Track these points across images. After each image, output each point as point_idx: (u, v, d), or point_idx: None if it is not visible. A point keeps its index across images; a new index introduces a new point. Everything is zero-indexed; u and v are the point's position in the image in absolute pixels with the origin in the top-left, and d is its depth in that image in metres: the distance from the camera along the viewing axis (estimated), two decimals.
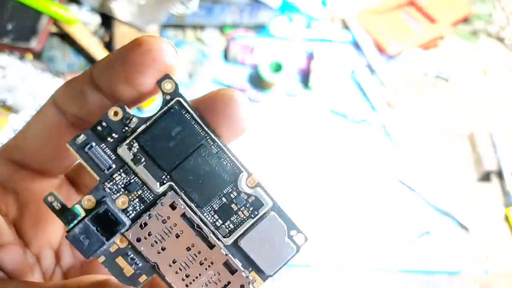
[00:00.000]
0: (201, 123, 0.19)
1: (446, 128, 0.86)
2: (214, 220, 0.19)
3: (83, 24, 0.84)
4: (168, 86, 0.19)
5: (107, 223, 0.18)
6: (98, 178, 0.19)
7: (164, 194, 0.19)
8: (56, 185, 0.22)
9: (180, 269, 0.19)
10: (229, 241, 0.19)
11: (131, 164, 0.19)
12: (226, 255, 0.19)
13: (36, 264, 0.22)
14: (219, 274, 0.19)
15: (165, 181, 0.19)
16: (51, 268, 0.23)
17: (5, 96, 0.75)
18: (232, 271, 0.19)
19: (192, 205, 0.19)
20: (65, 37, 0.84)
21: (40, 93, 0.77)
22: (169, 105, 0.19)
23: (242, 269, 0.19)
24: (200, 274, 0.19)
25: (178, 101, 0.19)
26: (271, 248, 0.19)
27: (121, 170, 0.19)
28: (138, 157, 0.19)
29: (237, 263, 0.19)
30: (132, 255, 0.19)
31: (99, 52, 0.83)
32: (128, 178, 0.19)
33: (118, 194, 0.19)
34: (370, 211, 0.78)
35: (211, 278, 0.19)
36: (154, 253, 0.19)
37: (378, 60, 0.90)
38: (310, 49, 0.89)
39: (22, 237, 0.22)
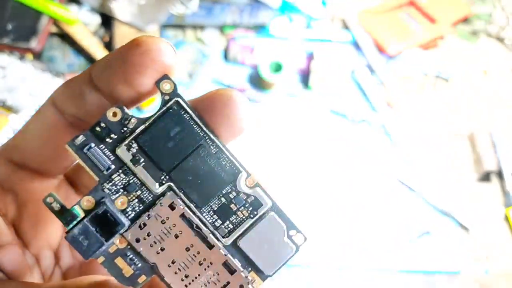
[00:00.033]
0: (200, 123, 0.19)
1: (446, 128, 0.86)
2: (213, 220, 0.19)
3: (83, 24, 0.84)
4: (166, 86, 0.19)
5: (106, 224, 0.18)
6: (97, 179, 0.19)
7: (163, 194, 0.19)
8: (55, 185, 0.22)
9: (179, 270, 0.19)
10: (228, 241, 0.19)
11: (130, 164, 0.19)
12: (225, 255, 0.19)
13: (35, 264, 0.22)
14: (218, 274, 0.19)
15: (164, 182, 0.19)
16: (50, 268, 0.23)
17: (5, 96, 0.75)
18: (231, 271, 0.19)
19: (191, 206, 0.19)
20: (65, 37, 0.84)
21: (40, 93, 0.77)
22: (167, 105, 0.19)
23: (241, 269, 0.19)
24: (199, 275, 0.19)
25: (177, 102, 0.19)
26: (270, 248, 0.19)
27: (120, 171, 0.19)
28: (137, 157, 0.19)
29: (236, 263, 0.19)
30: (131, 256, 0.19)
31: (99, 52, 0.83)
32: (127, 179, 0.19)
33: (117, 195, 0.19)
34: (370, 211, 0.78)
35: (210, 278, 0.19)
36: (153, 253, 0.19)
37: (378, 60, 0.90)
38: (310, 49, 0.89)
39: (21, 238, 0.22)
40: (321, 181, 0.80)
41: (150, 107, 0.76)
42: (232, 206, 0.19)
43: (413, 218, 0.78)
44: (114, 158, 0.19)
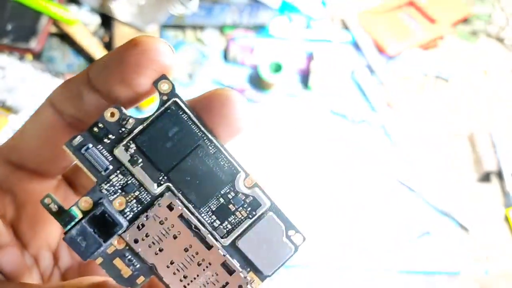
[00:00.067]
0: (198, 124, 0.19)
1: (446, 129, 0.86)
2: (212, 220, 0.19)
3: (82, 25, 0.84)
4: (164, 86, 0.19)
5: (104, 225, 0.18)
6: (95, 180, 0.19)
7: (161, 195, 0.19)
8: (53, 186, 0.22)
9: (178, 270, 0.19)
10: (227, 241, 0.19)
11: (128, 165, 0.19)
12: (224, 255, 0.19)
13: (34, 265, 0.22)
14: (217, 274, 0.19)
15: (162, 182, 0.19)
16: (49, 269, 0.23)
17: (4, 97, 0.75)
18: (230, 271, 0.19)
19: (190, 206, 0.19)
20: (65, 38, 0.84)
21: (39, 93, 0.77)
22: (165, 105, 0.19)
23: (240, 270, 0.19)
24: (198, 275, 0.19)
25: (175, 102, 0.19)
26: (269, 248, 0.19)
27: (118, 171, 0.19)
28: (135, 158, 0.19)
29: (235, 263, 0.19)
30: (129, 257, 0.19)
31: (98, 53, 0.83)
32: (125, 179, 0.19)
33: (115, 196, 0.19)
34: (370, 211, 0.78)
35: (209, 278, 0.19)
36: (151, 254, 0.19)
37: (378, 61, 0.90)
38: (310, 50, 0.89)
39: (19, 239, 0.22)
40: (321, 181, 0.79)
41: (150, 107, 0.76)
42: (230, 206, 0.19)
43: (413, 218, 0.78)
44: (112, 158, 0.19)
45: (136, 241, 0.19)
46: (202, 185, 0.19)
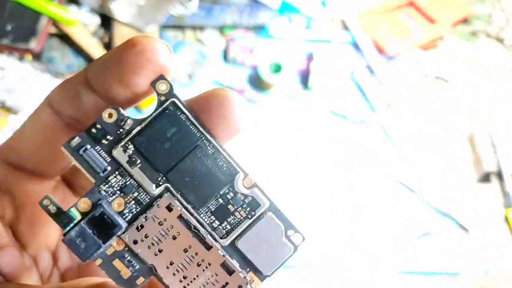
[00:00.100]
0: (197, 124, 0.19)
1: (446, 129, 0.86)
2: (211, 221, 0.19)
3: (82, 25, 0.84)
4: (162, 87, 0.19)
5: (103, 226, 0.18)
6: (93, 181, 0.19)
7: (160, 196, 0.19)
8: (52, 186, 0.22)
9: (178, 271, 0.19)
10: (226, 242, 0.19)
11: (126, 166, 0.19)
12: (224, 256, 0.19)
13: (33, 266, 0.22)
14: (216, 275, 0.19)
15: (161, 183, 0.19)
16: (48, 269, 0.23)
17: (4, 97, 0.75)
18: (230, 272, 0.19)
19: (189, 207, 0.19)
20: (65, 38, 0.84)
21: (39, 94, 0.77)
22: (163, 106, 0.19)
23: (240, 270, 0.19)
24: (197, 276, 0.19)
25: (173, 102, 0.19)
26: (269, 248, 0.19)
27: (117, 173, 0.19)
28: (134, 159, 0.19)
29: (234, 263, 0.19)
30: (129, 258, 0.19)
31: (98, 53, 0.83)
32: (124, 181, 0.19)
33: (114, 197, 0.19)
34: (370, 212, 0.78)
35: (208, 279, 0.19)
36: (151, 255, 0.19)
37: (378, 61, 0.90)
38: (310, 50, 0.89)
39: (18, 239, 0.22)
40: (321, 181, 0.79)
41: (150, 107, 0.76)
42: (229, 206, 0.19)
43: (413, 219, 0.78)
44: (110, 159, 0.19)
45: (135, 242, 0.19)
46: (201, 186, 0.19)
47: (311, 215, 0.77)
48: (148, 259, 0.19)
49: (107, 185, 0.19)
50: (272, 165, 0.80)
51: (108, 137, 0.19)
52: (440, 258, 0.76)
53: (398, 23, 0.94)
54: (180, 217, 0.19)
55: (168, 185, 0.19)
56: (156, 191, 0.19)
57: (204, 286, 0.19)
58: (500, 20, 0.97)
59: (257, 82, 0.86)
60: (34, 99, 0.76)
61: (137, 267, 0.19)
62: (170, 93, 0.19)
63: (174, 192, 0.19)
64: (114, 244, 0.19)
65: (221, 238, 0.19)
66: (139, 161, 0.19)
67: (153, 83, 0.19)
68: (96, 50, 0.83)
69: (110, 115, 0.19)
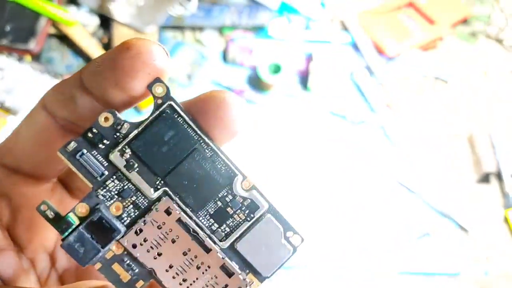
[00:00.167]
0: (194, 127, 0.19)
1: (445, 130, 0.86)
2: (210, 224, 0.19)
3: (81, 26, 0.84)
4: (159, 90, 0.19)
5: (102, 231, 0.18)
6: (90, 185, 0.19)
7: (158, 199, 0.19)
8: (48, 188, 0.22)
9: (177, 274, 0.19)
10: (226, 244, 0.19)
11: (124, 170, 0.19)
12: (223, 258, 0.19)
13: (31, 268, 0.22)
14: (216, 277, 0.19)
15: (159, 187, 0.19)
16: (46, 271, 0.23)
17: (3, 98, 0.75)
18: (229, 274, 0.19)
19: (187, 210, 0.19)
20: (64, 39, 0.84)
21: (38, 94, 0.76)
22: (160, 109, 0.19)
23: (239, 272, 0.19)
24: (197, 278, 0.19)
25: (170, 105, 0.19)
26: (268, 250, 0.19)
27: (114, 177, 0.19)
28: (131, 163, 0.19)
29: (234, 266, 0.19)
30: (128, 261, 0.19)
31: (97, 54, 0.83)
32: (122, 185, 0.19)
33: (111, 201, 0.19)
34: (370, 212, 0.78)
35: (208, 281, 0.19)
36: (150, 258, 0.19)
37: (377, 62, 0.90)
38: (309, 51, 0.89)
39: (16, 242, 0.22)
40: (320, 182, 0.79)
41: (149, 108, 0.76)
42: (228, 209, 0.19)
43: (412, 219, 0.78)
44: (107, 164, 0.19)
45: (134, 246, 0.19)
46: (200, 189, 0.19)
47: (311, 216, 0.77)
48: (148, 262, 0.19)
49: (104, 190, 0.19)
50: (271, 166, 0.80)
51: (105, 141, 0.19)
52: (440, 259, 0.76)
53: (397, 23, 0.94)
54: (179, 220, 0.19)
55: (166, 188, 0.19)
56: (155, 195, 0.19)
57: None
58: (500, 21, 0.97)
59: (256, 83, 0.86)
60: (33, 100, 0.76)
61: (137, 270, 0.19)
62: (167, 96, 0.19)
63: (173, 195, 0.19)
64: (113, 248, 0.19)
65: (220, 240, 0.19)
66: (136, 165, 0.19)
67: (150, 86, 0.18)
68: (95, 51, 0.83)
69: (106, 119, 0.18)
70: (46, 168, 0.21)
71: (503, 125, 0.87)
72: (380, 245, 0.76)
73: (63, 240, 0.18)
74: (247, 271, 0.19)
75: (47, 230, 0.22)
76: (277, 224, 0.19)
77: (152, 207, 0.19)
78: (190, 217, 0.19)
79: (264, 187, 0.20)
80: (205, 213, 0.19)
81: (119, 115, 0.19)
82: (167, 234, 0.19)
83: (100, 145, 0.19)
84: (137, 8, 0.87)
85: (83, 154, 0.18)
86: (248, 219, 0.19)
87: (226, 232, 0.19)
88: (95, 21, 0.86)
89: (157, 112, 0.19)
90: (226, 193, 0.19)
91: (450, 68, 0.92)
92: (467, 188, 0.82)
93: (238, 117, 0.19)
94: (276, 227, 0.19)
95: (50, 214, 0.18)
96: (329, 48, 0.90)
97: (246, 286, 0.19)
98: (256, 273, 0.19)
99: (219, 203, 0.19)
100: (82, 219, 0.18)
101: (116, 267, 0.19)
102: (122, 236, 0.19)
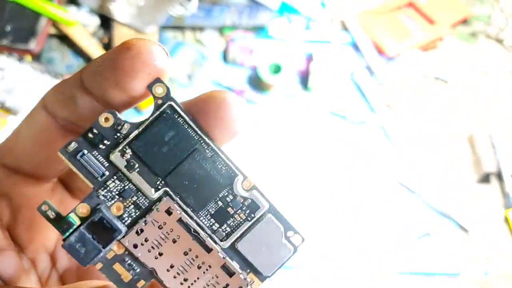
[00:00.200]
0: (194, 127, 0.19)
1: (445, 130, 0.86)
2: (211, 224, 0.19)
3: (82, 26, 0.84)
4: (159, 90, 0.19)
5: (103, 231, 0.18)
6: (91, 186, 0.19)
7: (159, 199, 0.19)
8: (49, 188, 0.22)
9: (178, 274, 0.19)
10: (226, 244, 0.19)
11: (124, 170, 0.19)
12: (224, 258, 0.19)
13: (32, 268, 0.22)
14: (217, 277, 0.19)
15: (160, 187, 0.19)
16: (47, 271, 0.23)
17: (4, 98, 0.75)
18: (230, 273, 0.19)
19: (188, 210, 0.19)
20: (64, 39, 0.84)
21: (39, 94, 0.76)
22: (161, 109, 0.19)
23: (240, 271, 0.19)
24: (198, 278, 0.19)
25: (170, 105, 0.19)
26: (269, 250, 0.19)
27: (115, 177, 0.19)
28: (132, 163, 0.19)
29: (234, 265, 0.19)
30: (129, 261, 0.19)
31: (98, 54, 0.83)
32: (122, 185, 0.19)
33: (112, 201, 0.19)
34: (370, 212, 0.78)
35: (209, 281, 0.19)
36: (151, 258, 0.19)
37: (377, 62, 0.90)
38: (309, 51, 0.89)
39: (16, 242, 0.22)
40: (320, 182, 0.79)
41: (149, 108, 0.76)
42: (229, 209, 0.19)
43: (412, 219, 0.78)
44: (108, 164, 0.19)
45: (135, 246, 0.19)
46: (200, 189, 0.19)
47: (311, 216, 0.77)
48: (149, 262, 0.19)
49: (105, 190, 0.19)
50: (272, 166, 0.80)
51: (105, 141, 0.19)
52: (440, 259, 0.76)
53: (397, 23, 0.94)
54: (180, 220, 0.19)
55: (167, 189, 0.19)
56: (155, 195, 0.19)
57: None
58: (500, 21, 0.97)
59: (256, 83, 0.86)
60: (34, 100, 0.76)
61: (138, 270, 0.19)
62: (167, 96, 0.19)
63: (173, 195, 0.19)
64: (114, 248, 0.19)
65: (221, 240, 0.19)
66: (137, 165, 0.19)
67: (150, 87, 0.18)
68: (96, 51, 0.83)
69: (106, 120, 0.18)
70: (46, 168, 0.21)
71: (503, 125, 0.87)
72: (380, 245, 0.76)
73: (64, 240, 0.18)
74: (248, 270, 0.19)
75: (48, 230, 0.22)
76: (278, 223, 0.20)
77: (153, 207, 0.19)
78: (191, 217, 0.19)
79: (264, 187, 0.20)
80: (206, 213, 0.19)
81: (119, 115, 0.19)
82: (168, 234, 0.19)
83: (101, 146, 0.19)
84: (137, 8, 0.87)
85: (83, 154, 0.18)
86: (249, 219, 0.19)
87: (227, 232, 0.19)
88: (96, 21, 0.86)
89: (158, 113, 0.19)
90: (226, 193, 0.19)
91: (450, 68, 0.92)
92: (467, 188, 0.82)
93: (238, 117, 0.19)
94: (276, 227, 0.19)
95: (51, 215, 0.18)
96: (329, 48, 0.90)
97: (247, 286, 0.19)
98: (257, 272, 0.19)
99: (220, 203, 0.19)
100: (83, 219, 0.18)
101: (117, 267, 0.19)
102: (123, 236, 0.19)
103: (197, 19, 0.89)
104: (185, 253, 0.19)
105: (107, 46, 0.85)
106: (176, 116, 0.19)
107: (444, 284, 0.74)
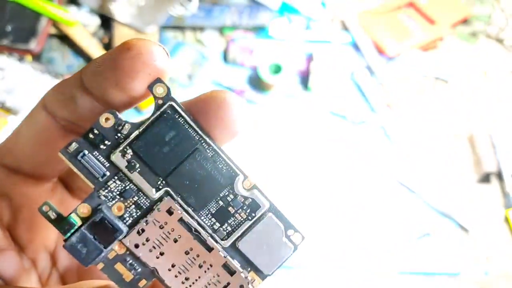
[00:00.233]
0: (195, 127, 0.19)
1: (445, 130, 0.86)
2: (212, 223, 0.19)
3: (82, 26, 0.84)
4: (159, 90, 0.19)
5: (104, 231, 0.18)
6: (92, 186, 0.19)
7: (160, 199, 0.19)
8: (49, 188, 0.22)
9: (180, 273, 0.19)
10: (227, 243, 0.19)
11: (125, 171, 0.19)
12: (225, 257, 0.19)
13: (32, 268, 0.22)
14: (218, 276, 0.19)
15: (161, 187, 0.19)
16: (47, 271, 0.23)
17: (4, 98, 0.75)
18: (231, 272, 0.19)
19: (189, 210, 0.19)
20: (65, 39, 0.84)
21: (39, 94, 0.76)
22: (161, 110, 0.19)
23: (241, 270, 0.19)
24: (199, 277, 0.19)
25: (171, 106, 0.19)
26: (269, 248, 0.19)
27: (116, 177, 0.19)
28: (133, 163, 0.19)
29: (235, 264, 0.19)
30: (130, 261, 0.19)
31: (98, 54, 0.83)
32: (123, 185, 0.19)
33: (113, 202, 0.19)
34: (370, 212, 0.78)
35: (210, 280, 0.19)
36: (152, 258, 0.19)
37: (378, 61, 0.90)
38: (310, 51, 0.89)
39: (17, 242, 0.22)
40: (321, 182, 0.79)
41: (150, 108, 0.76)
42: (230, 208, 0.19)
43: (413, 219, 0.78)
44: (109, 164, 0.19)
45: (136, 246, 0.19)
46: (201, 189, 0.19)
47: (311, 216, 0.77)
48: (150, 262, 0.19)
49: (106, 190, 0.19)
50: (272, 165, 0.80)
51: (106, 142, 0.19)
52: (440, 259, 0.76)
53: (398, 23, 0.94)
54: (181, 220, 0.19)
55: (168, 188, 0.19)
56: (156, 195, 0.19)
57: (206, 287, 0.19)
58: (500, 21, 0.97)
59: (257, 83, 0.86)
60: (34, 100, 0.76)
61: (139, 270, 0.19)
62: (168, 96, 0.19)
63: (174, 195, 0.19)
64: (115, 248, 0.19)
65: (222, 239, 0.19)
66: (138, 165, 0.19)
67: (150, 87, 0.18)
68: (96, 51, 0.83)
69: (107, 120, 0.18)
70: (46, 168, 0.21)
71: (504, 125, 0.87)
72: (380, 245, 0.76)
73: (65, 241, 0.18)
74: (249, 269, 0.20)
75: (48, 230, 0.22)
76: (278, 222, 0.20)
77: (154, 207, 0.19)
78: (192, 217, 0.19)
79: (265, 186, 0.20)
80: (207, 212, 0.19)
81: (120, 115, 0.19)
82: (169, 233, 0.19)
83: (102, 146, 0.19)
84: (137, 8, 0.87)
85: (84, 155, 0.18)
86: (250, 218, 0.19)
87: (227, 231, 0.19)
88: (96, 21, 0.86)
89: (158, 113, 0.19)
90: (227, 193, 0.19)
91: (450, 68, 0.92)
92: (467, 188, 0.82)
93: (238, 117, 0.19)
94: (277, 226, 0.20)
95: (52, 215, 0.18)
96: (330, 48, 0.90)
97: (248, 284, 0.19)
98: (257, 271, 0.20)
99: (221, 203, 0.19)
100: (84, 220, 0.18)
101: (118, 266, 0.19)
102: (125, 236, 0.19)
103: (198, 19, 0.89)
104: (186, 253, 0.19)
105: (107, 46, 0.85)
106: (177, 116, 0.19)
107: (444, 284, 0.74)
